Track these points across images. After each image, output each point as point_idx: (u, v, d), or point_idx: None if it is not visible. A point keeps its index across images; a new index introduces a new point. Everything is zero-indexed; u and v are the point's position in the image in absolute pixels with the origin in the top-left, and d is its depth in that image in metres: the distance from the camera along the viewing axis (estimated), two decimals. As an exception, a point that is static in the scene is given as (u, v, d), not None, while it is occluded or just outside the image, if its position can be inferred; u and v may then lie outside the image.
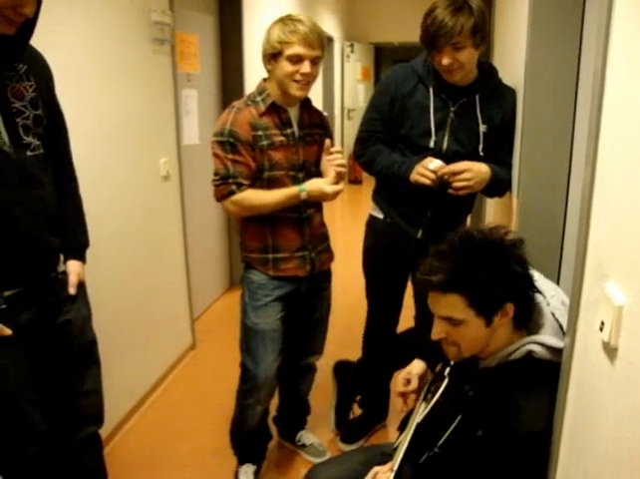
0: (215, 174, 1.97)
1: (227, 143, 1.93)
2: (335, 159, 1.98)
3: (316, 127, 2.11)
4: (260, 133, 1.95)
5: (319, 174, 2.05)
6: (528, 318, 1.36)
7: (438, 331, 1.36)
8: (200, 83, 3.82)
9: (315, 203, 2.11)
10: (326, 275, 2.27)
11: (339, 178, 1.99)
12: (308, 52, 1.88)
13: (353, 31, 9.82)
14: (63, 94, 1.68)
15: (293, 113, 2.04)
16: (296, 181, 2.01)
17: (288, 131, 2.01)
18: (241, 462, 2.36)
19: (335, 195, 1.99)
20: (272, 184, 1.99)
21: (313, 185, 1.97)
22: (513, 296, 1.30)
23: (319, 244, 2.17)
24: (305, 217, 2.08)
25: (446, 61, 1.94)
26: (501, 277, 1.29)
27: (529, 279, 1.35)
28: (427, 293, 1.36)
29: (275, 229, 2.05)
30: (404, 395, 1.65)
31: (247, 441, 2.36)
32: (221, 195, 1.98)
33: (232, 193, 1.95)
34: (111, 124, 2.50)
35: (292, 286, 2.12)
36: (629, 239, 0.89)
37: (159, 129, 2.99)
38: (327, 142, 2.02)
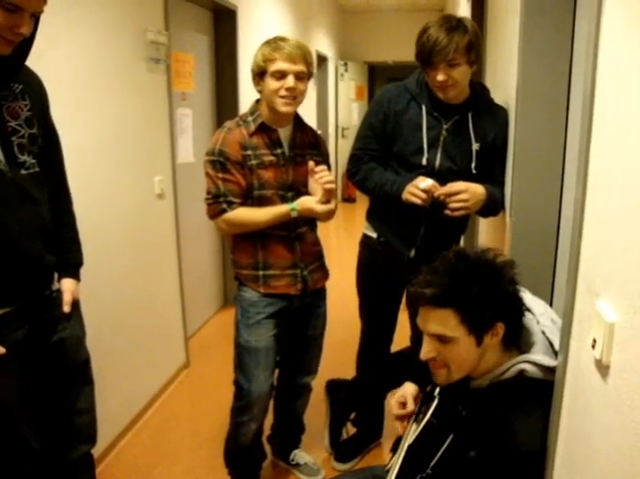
0: (207, 192, 2.00)
1: (218, 162, 1.96)
2: (322, 177, 1.99)
3: (309, 147, 2.12)
4: (250, 152, 1.97)
5: (309, 193, 2.05)
6: (517, 338, 1.36)
7: (428, 351, 1.33)
8: (195, 102, 3.85)
9: (308, 221, 2.11)
10: (320, 294, 2.27)
11: (329, 195, 2.00)
12: (290, 67, 1.92)
13: (347, 50, 9.91)
14: (58, 112, 1.69)
15: (284, 133, 2.05)
16: (285, 200, 2.03)
17: (278, 151, 2.02)
18: (235, 481, 2.34)
19: (328, 214, 2.00)
20: (262, 202, 2.01)
21: (303, 204, 1.99)
22: (504, 316, 1.30)
23: (312, 263, 2.17)
24: (295, 235, 2.09)
25: (440, 77, 1.97)
26: (494, 297, 1.29)
27: (519, 300, 1.35)
28: (417, 310, 1.34)
29: (266, 245, 2.06)
30: (402, 418, 1.62)
31: (242, 460, 2.34)
32: (213, 213, 2.01)
33: (224, 211, 1.98)
34: (106, 142, 2.50)
35: (284, 304, 2.11)
36: (620, 256, 0.90)
37: (153, 147, 3.01)
38: (310, 164, 2.01)
